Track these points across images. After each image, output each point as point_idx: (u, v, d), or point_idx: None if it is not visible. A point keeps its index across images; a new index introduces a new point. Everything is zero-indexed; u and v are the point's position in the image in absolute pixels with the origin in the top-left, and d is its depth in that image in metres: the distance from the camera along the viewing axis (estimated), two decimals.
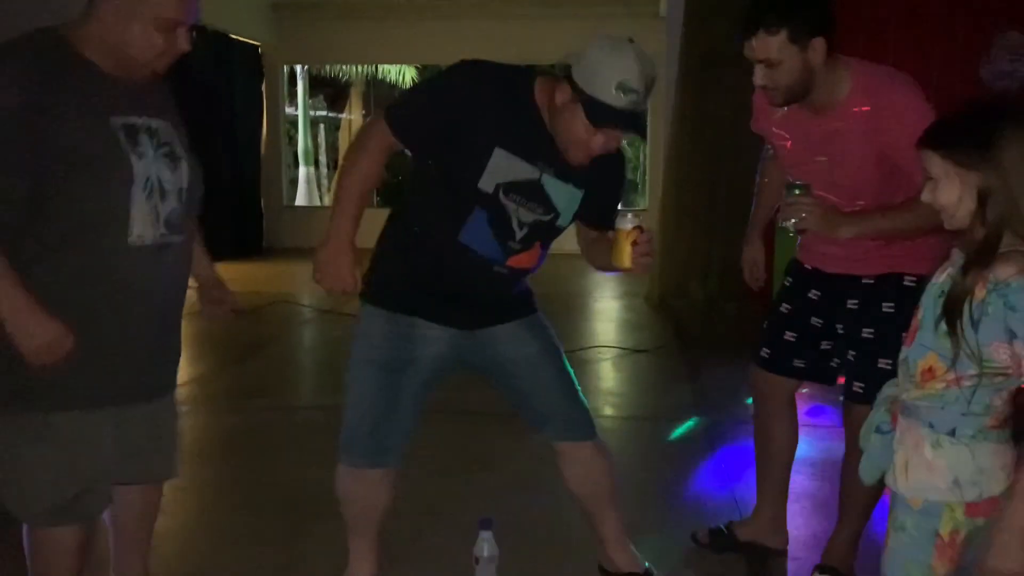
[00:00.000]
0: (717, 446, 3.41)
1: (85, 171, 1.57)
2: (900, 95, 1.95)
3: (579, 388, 2.11)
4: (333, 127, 16.81)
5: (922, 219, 1.72)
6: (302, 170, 13.72)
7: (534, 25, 9.07)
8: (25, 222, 1.56)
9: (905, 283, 2.05)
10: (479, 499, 2.79)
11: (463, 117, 1.84)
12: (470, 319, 2.00)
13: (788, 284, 2.33)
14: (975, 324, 1.36)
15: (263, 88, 9.30)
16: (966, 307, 1.36)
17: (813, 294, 2.25)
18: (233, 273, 6.73)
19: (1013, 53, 5.50)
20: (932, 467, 1.42)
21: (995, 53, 5.41)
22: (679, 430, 3.63)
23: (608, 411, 3.97)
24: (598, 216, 2.01)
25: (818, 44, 1.90)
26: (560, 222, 1.96)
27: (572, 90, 1.79)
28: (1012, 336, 1.33)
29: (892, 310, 2.07)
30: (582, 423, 2.12)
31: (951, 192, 1.40)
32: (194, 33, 1.67)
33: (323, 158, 16.11)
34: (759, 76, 1.96)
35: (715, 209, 5.80)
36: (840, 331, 2.20)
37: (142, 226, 1.64)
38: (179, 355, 1.91)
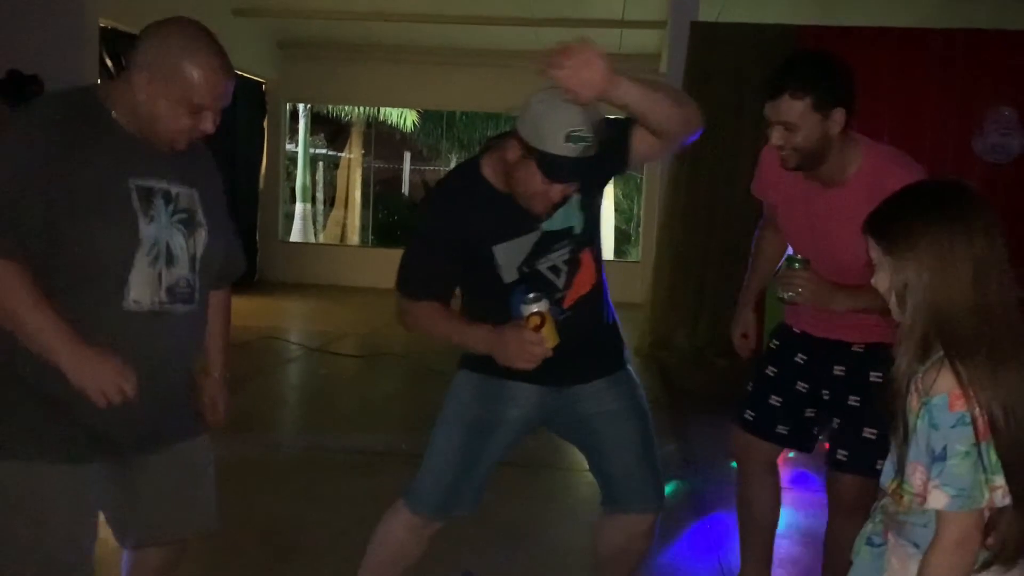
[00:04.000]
0: (703, 509, 3.37)
1: (91, 226, 1.56)
2: (905, 180, 1.95)
3: (657, 457, 2.07)
4: (332, 165, 16.94)
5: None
6: (299, 206, 13.79)
7: (537, 77, 9.20)
8: (34, 270, 1.55)
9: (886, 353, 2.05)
10: (464, 550, 2.75)
11: (451, 248, 1.90)
12: (560, 375, 1.97)
13: (775, 346, 2.31)
14: (907, 438, 1.27)
15: (265, 124, 9.38)
16: (909, 417, 1.27)
17: (800, 358, 2.23)
18: None
19: (1004, 128, 5.61)
20: None
21: (987, 127, 5.53)
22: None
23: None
24: (601, 177, 1.96)
25: (838, 115, 1.94)
26: (578, 230, 1.94)
27: (522, 147, 1.76)
28: (932, 456, 1.22)
29: (879, 379, 1.97)
30: (649, 494, 2.04)
31: (883, 279, 1.34)
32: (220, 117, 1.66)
33: (320, 195, 16.19)
34: (777, 137, 1.98)
35: (707, 263, 5.85)
36: (825, 397, 2.19)
37: (140, 291, 1.61)
38: (184, 406, 1.82)
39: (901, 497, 1.30)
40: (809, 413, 2.24)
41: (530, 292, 1.83)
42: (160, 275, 1.63)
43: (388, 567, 2.08)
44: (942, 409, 1.23)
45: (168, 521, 1.81)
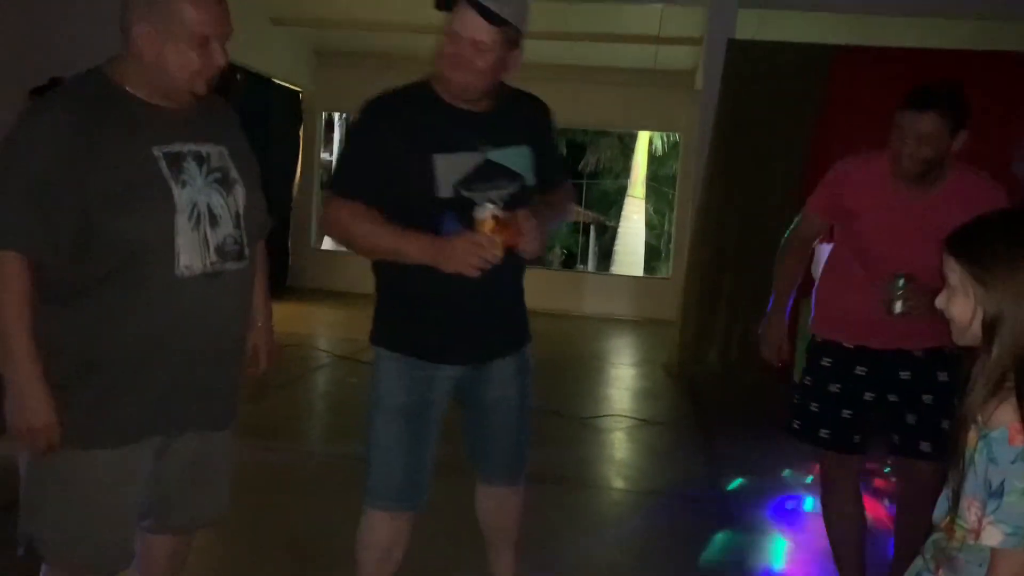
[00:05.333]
0: (731, 525, 3.34)
1: (126, 203, 1.56)
2: (992, 195, 2.21)
3: (527, 439, 2.19)
4: None
5: None
6: None
7: (572, 92, 9.21)
8: (68, 260, 1.57)
9: (947, 354, 2.24)
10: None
11: (389, 147, 1.90)
12: (480, 350, 2.04)
13: (828, 364, 2.40)
14: (964, 473, 1.23)
15: (300, 132, 9.48)
16: (967, 452, 1.23)
17: (860, 370, 2.35)
18: None
19: None
20: None
21: None
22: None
23: (619, 483, 3.92)
24: (550, 171, 2.07)
25: (962, 136, 2.18)
26: (528, 182, 1.99)
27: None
28: (988, 491, 1.19)
29: (947, 379, 2.25)
30: (516, 472, 2.22)
31: (964, 307, 1.26)
32: (238, 74, 1.70)
33: None
34: (910, 145, 2.17)
35: (741, 278, 5.81)
36: (893, 400, 2.34)
37: (189, 256, 1.61)
38: (235, 389, 1.85)
39: (954, 532, 1.26)
40: (876, 419, 2.38)
41: (464, 219, 1.84)
42: (206, 237, 1.64)
43: (380, 570, 2.11)
44: (1002, 443, 1.19)
45: (184, 509, 1.83)
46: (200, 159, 1.66)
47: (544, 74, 9.13)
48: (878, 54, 5.75)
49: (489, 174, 1.92)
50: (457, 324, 1.99)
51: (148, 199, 1.58)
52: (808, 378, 2.45)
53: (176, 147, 1.63)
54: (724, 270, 5.89)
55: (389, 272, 2.02)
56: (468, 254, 1.80)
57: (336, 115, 12.52)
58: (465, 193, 1.89)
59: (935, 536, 1.36)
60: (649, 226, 16.42)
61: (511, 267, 1.96)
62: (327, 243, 12.47)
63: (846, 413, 2.37)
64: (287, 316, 7.56)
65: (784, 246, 2.56)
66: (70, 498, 1.64)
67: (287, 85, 9.08)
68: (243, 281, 1.75)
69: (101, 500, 1.65)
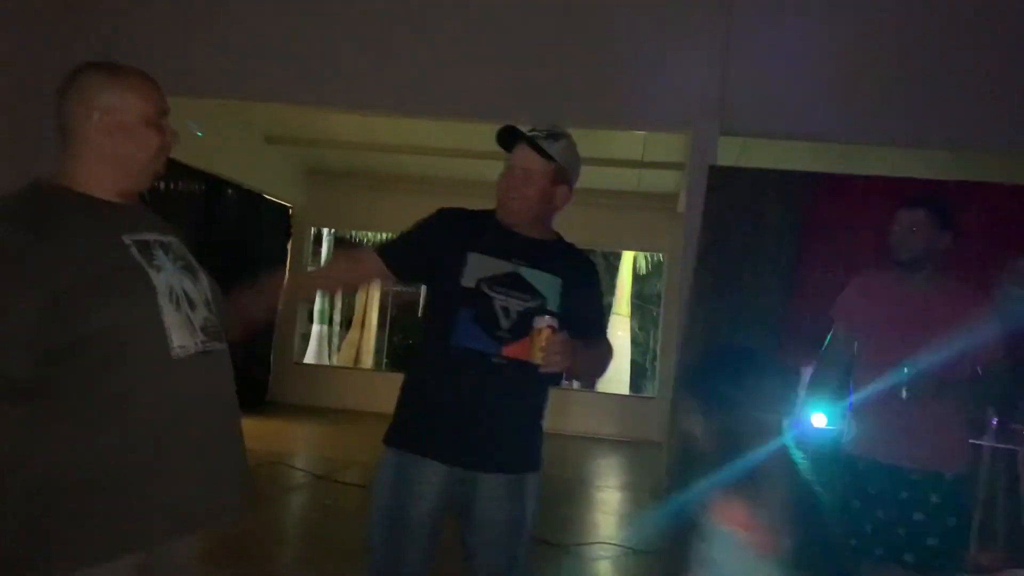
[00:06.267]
0: None
1: (107, 292, 1.51)
2: (982, 298, 2.64)
3: (519, 569, 2.14)
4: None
5: (998, 390, 2.56)
6: (315, 327, 13.83)
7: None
8: (44, 368, 1.49)
9: (946, 478, 2.51)
10: None
11: (437, 238, 2.17)
12: (462, 449, 2.05)
13: (847, 481, 2.63)
14: None
15: (288, 245, 9.55)
16: None
17: (872, 488, 2.58)
18: None
19: (1021, 278, 5.60)
20: None
21: (1005, 277, 5.51)
22: None
23: None
24: (584, 324, 2.14)
25: (947, 236, 2.60)
26: (550, 306, 2.08)
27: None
28: None
29: (939, 502, 2.49)
30: None
31: None
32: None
33: (337, 316, 16.28)
34: (902, 235, 2.60)
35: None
36: (892, 518, 2.55)
37: (181, 336, 1.58)
38: (236, 480, 1.74)
39: None
40: (892, 532, 2.55)
41: (479, 316, 2.01)
42: (189, 318, 1.61)
43: None
44: None
45: None
46: (165, 247, 1.66)
47: None
48: (862, 181, 5.90)
49: (514, 284, 2.09)
50: (446, 419, 2.06)
51: (128, 283, 1.55)
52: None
53: (144, 236, 1.63)
54: None
55: (407, 374, 2.19)
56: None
57: (324, 230, 12.66)
58: (485, 289, 2.07)
59: None
60: (634, 344, 16.43)
61: (524, 384, 2.07)
62: (309, 356, 12.37)
63: (867, 527, 2.58)
64: (265, 433, 7.38)
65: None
66: None
67: (278, 201, 9.20)
68: (229, 363, 1.73)
69: None
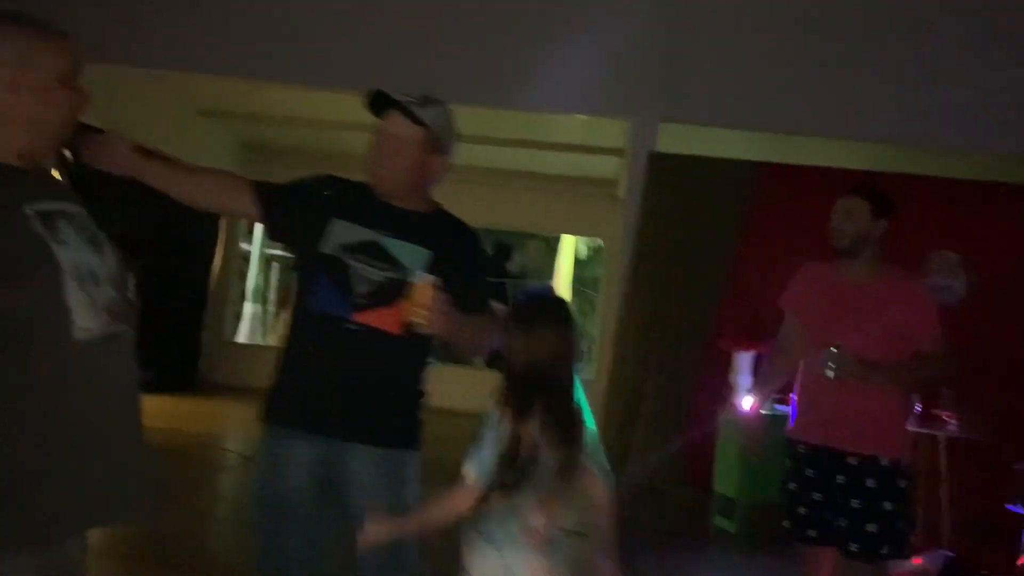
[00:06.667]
0: None
1: (4, 268, 1.40)
2: (919, 285, 2.77)
3: (404, 566, 2.01)
4: (287, 267, 16.84)
5: (932, 373, 2.70)
6: (248, 307, 13.56)
7: (500, 195, 9.36)
8: None
9: (882, 463, 2.57)
10: None
11: (312, 200, 2.11)
12: (335, 417, 1.97)
13: (788, 465, 2.68)
14: None
15: (221, 223, 9.31)
16: None
17: (809, 472, 2.63)
18: (162, 407, 6.43)
19: (948, 271, 5.79)
20: None
21: (933, 269, 5.69)
22: None
23: None
24: (463, 299, 2.04)
25: (883, 225, 2.69)
26: (412, 280, 1.98)
27: None
28: None
29: (875, 486, 2.54)
30: None
31: None
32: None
33: (272, 296, 15.99)
34: (838, 220, 2.68)
35: (662, 390, 5.81)
36: (833, 501, 2.59)
37: (83, 316, 1.45)
38: (139, 473, 1.61)
39: None
40: (828, 515, 2.61)
41: (335, 282, 1.97)
42: (93, 297, 1.48)
43: None
44: None
45: None
46: (69, 217, 1.52)
47: (472, 177, 9.30)
48: (799, 171, 6.01)
49: (374, 252, 2.02)
50: (308, 387, 2.02)
51: (30, 259, 1.43)
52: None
53: (46, 205, 1.49)
54: (646, 380, 5.88)
55: (281, 345, 2.13)
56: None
57: None
58: (344, 256, 2.01)
59: None
60: None
61: (387, 353, 2.01)
62: (242, 336, 12.13)
63: (802, 510, 2.66)
64: (196, 413, 7.21)
65: (773, 349, 2.94)
66: None
67: None
68: (133, 347, 1.60)
69: None
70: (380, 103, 2.08)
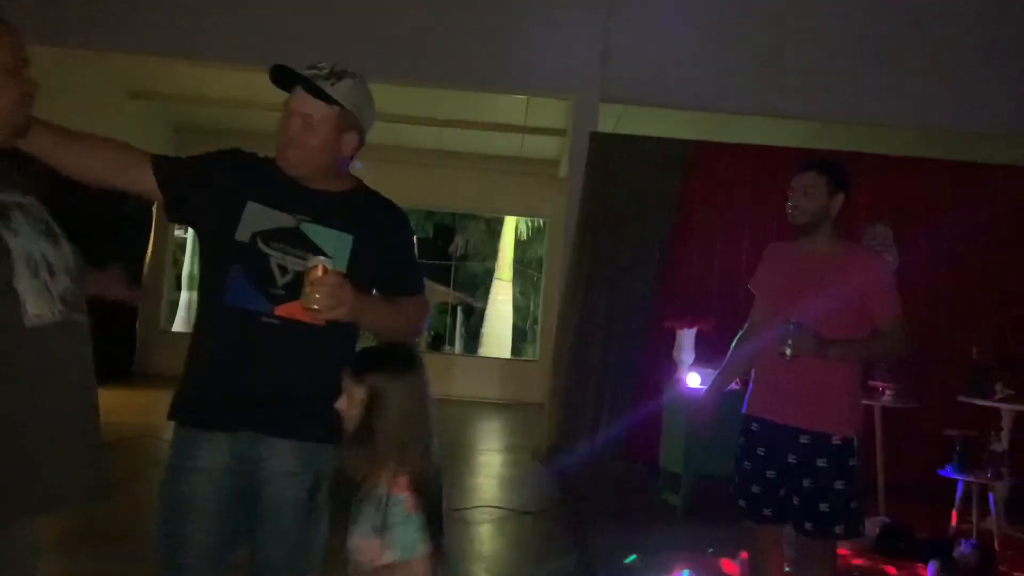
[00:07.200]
0: None
1: None
2: (879, 259, 2.81)
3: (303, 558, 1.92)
4: None
5: (888, 349, 2.65)
6: (184, 295, 13.26)
7: (441, 176, 9.30)
8: None
9: (833, 442, 2.55)
10: None
11: (220, 178, 1.91)
12: (253, 413, 1.84)
13: (743, 443, 2.68)
14: None
15: (154, 209, 9.06)
16: None
17: (760, 451, 2.63)
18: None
19: (880, 243, 5.96)
20: None
21: (865, 242, 5.85)
22: None
23: None
24: (390, 280, 1.96)
25: (840, 199, 2.64)
26: (336, 265, 1.82)
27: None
28: None
29: (825, 464, 2.54)
30: None
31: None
32: None
33: None
34: (796, 198, 2.64)
35: (606, 366, 5.87)
36: (785, 479, 2.59)
37: (35, 303, 1.47)
38: (91, 460, 1.61)
39: None
40: (782, 492, 2.59)
41: (252, 274, 1.83)
42: (47, 285, 1.50)
43: None
44: None
45: None
46: (23, 208, 1.53)
47: (414, 158, 9.23)
48: (733, 149, 6.10)
49: (293, 240, 1.87)
50: (223, 384, 1.85)
51: None
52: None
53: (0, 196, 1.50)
54: (589, 356, 5.93)
55: (191, 339, 1.96)
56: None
57: None
58: (261, 245, 1.86)
59: None
60: (515, 307, 16.58)
61: (304, 345, 1.87)
62: (178, 325, 11.86)
63: (755, 488, 2.63)
64: (132, 404, 7.02)
65: (739, 337, 2.84)
66: None
67: None
68: (87, 335, 1.61)
69: None
70: (284, 78, 1.89)
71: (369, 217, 1.97)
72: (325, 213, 1.91)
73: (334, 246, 1.88)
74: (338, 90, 1.88)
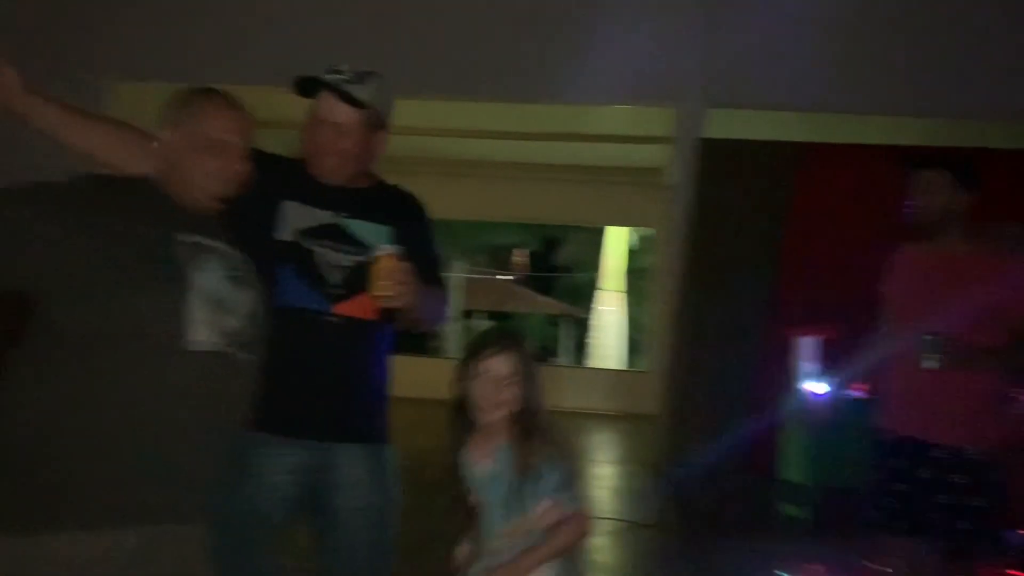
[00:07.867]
0: None
1: (141, 279, 1.57)
2: (1015, 258, 2.53)
3: (384, 562, 1.93)
4: None
5: None
6: None
7: (545, 189, 9.34)
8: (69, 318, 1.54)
9: (969, 456, 2.42)
10: None
11: (249, 185, 1.84)
12: (323, 418, 1.85)
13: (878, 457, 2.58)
14: None
15: None
16: None
17: (893, 463, 2.52)
18: None
19: (1014, 243, 5.61)
20: None
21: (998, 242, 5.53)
22: None
23: None
24: (424, 269, 1.92)
25: (967, 195, 2.50)
26: (374, 253, 1.82)
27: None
28: None
29: (963, 481, 2.41)
30: None
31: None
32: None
33: None
34: (919, 195, 2.52)
35: (722, 375, 5.74)
36: (920, 495, 2.47)
37: (197, 331, 1.58)
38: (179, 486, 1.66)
39: None
40: (916, 507, 2.47)
41: (301, 271, 1.83)
42: (214, 319, 1.61)
43: None
44: None
45: None
46: (217, 253, 1.67)
47: (518, 172, 9.31)
48: (849, 150, 5.89)
49: (337, 236, 1.89)
50: (289, 388, 1.81)
51: (159, 277, 1.59)
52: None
53: (196, 238, 1.65)
54: (703, 366, 5.82)
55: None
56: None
57: None
58: (304, 243, 1.86)
59: None
60: (628, 318, 16.44)
61: (364, 344, 1.91)
62: None
63: (889, 501, 2.54)
64: None
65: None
66: None
67: None
68: (245, 374, 1.72)
69: None
70: (310, 86, 1.89)
71: (399, 210, 2.01)
72: (361, 208, 1.93)
73: (375, 239, 1.88)
74: (364, 93, 1.88)
